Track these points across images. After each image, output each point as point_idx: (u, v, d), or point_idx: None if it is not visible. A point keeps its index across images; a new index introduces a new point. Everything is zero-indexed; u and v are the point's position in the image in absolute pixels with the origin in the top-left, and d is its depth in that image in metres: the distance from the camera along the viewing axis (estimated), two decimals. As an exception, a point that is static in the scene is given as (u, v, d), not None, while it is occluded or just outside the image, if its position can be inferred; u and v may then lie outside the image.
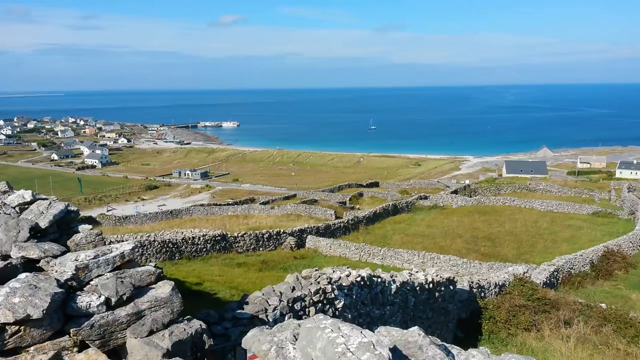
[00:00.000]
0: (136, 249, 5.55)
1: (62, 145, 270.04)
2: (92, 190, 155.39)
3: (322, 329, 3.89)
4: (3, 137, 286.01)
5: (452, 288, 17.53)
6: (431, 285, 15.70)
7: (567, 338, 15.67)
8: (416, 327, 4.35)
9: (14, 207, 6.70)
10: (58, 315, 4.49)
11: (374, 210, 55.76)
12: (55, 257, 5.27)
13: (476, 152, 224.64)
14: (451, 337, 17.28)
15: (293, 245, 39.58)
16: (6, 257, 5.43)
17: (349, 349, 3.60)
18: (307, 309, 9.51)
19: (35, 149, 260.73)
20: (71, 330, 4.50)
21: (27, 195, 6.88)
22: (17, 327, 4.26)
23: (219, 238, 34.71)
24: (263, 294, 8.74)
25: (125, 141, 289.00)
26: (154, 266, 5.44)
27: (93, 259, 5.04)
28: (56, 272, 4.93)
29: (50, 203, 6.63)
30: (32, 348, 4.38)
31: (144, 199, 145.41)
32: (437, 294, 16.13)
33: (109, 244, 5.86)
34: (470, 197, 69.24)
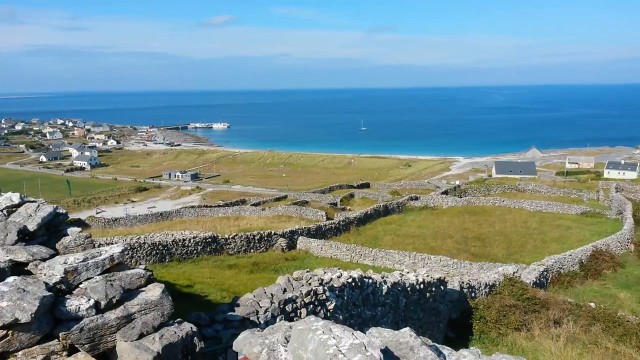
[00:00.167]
0: (126, 252, 5.50)
1: (51, 147, 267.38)
2: (81, 193, 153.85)
3: (313, 331, 3.89)
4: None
5: (442, 288, 17.61)
6: (422, 286, 15.76)
7: (556, 337, 15.79)
8: (407, 328, 4.36)
9: (1, 210, 6.63)
10: (47, 318, 4.44)
11: (365, 211, 55.89)
12: (44, 260, 5.21)
13: (466, 152, 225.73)
14: (442, 337, 17.36)
15: (284, 247, 39.51)
16: (-6, 260, 5.36)
17: (340, 351, 3.60)
18: (298, 311, 9.50)
19: (23, 151, 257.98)
20: (60, 334, 4.45)
21: (15, 197, 6.81)
22: (5, 332, 4.20)
23: (209, 240, 34.56)
24: (254, 296, 8.72)
25: (115, 143, 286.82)
26: (144, 269, 5.40)
27: (82, 262, 4.99)
28: (45, 275, 4.88)
29: (38, 206, 6.56)
30: (20, 353, 4.32)
31: (133, 201, 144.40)
32: (428, 294, 16.19)
33: (99, 246, 5.81)
34: (461, 197, 69.66)
